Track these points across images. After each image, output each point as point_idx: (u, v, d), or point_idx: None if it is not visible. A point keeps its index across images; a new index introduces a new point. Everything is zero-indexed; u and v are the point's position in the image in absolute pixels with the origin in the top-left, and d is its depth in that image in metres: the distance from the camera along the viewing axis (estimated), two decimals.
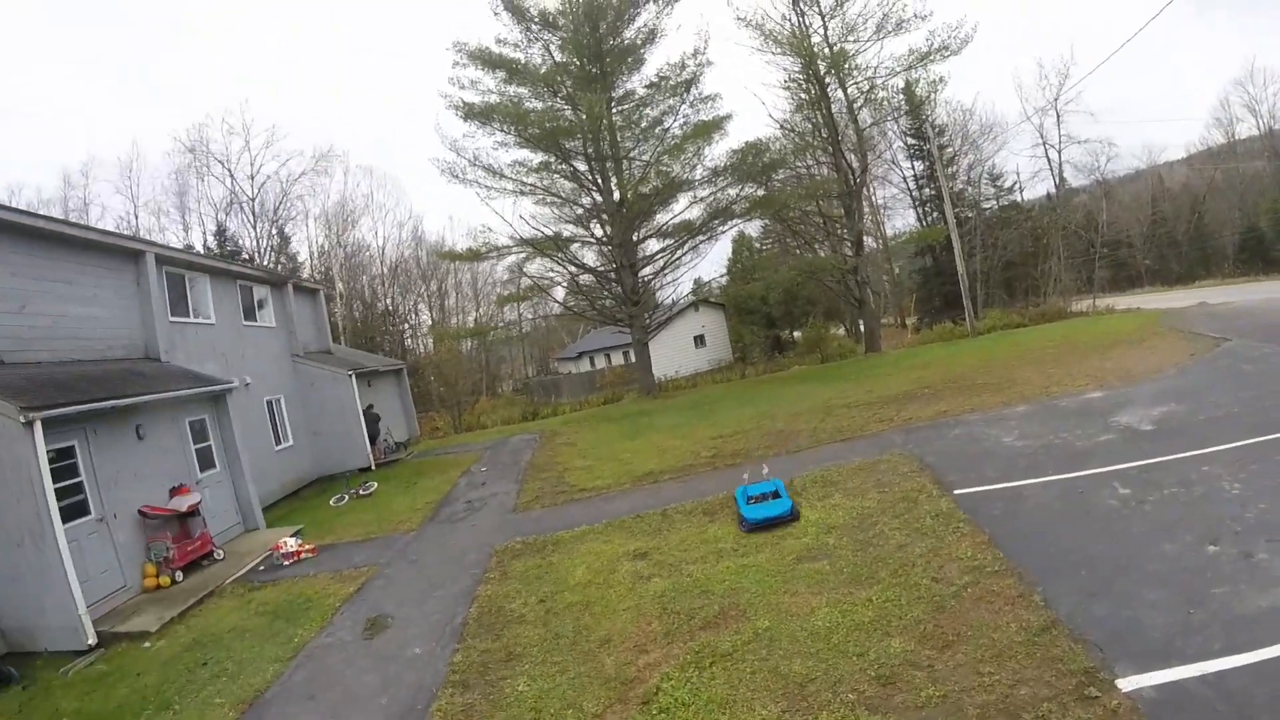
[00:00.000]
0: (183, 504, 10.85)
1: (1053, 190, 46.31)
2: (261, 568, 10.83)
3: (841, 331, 48.64)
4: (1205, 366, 13.13)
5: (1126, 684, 4.27)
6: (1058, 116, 42.16)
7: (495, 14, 26.55)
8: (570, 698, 5.46)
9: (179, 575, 10.28)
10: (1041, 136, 44.05)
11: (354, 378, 19.22)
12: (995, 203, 44.74)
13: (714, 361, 43.53)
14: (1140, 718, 3.96)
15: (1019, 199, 45.78)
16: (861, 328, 35.97)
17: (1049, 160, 44.28)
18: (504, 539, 10.14)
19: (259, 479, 13.95)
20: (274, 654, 7.35)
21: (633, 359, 33.33)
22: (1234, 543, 5.78)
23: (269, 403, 16.87)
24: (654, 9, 26.83)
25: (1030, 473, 8.51)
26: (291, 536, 11.84)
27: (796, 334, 47.69)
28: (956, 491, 8.24)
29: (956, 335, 29.99)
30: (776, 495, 8.83)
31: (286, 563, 10.81)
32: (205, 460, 12.56)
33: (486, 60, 26.20)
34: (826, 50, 29.55)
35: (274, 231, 44.04)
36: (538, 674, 5.95)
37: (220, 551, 11.45)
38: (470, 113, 25.42)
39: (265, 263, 39.83)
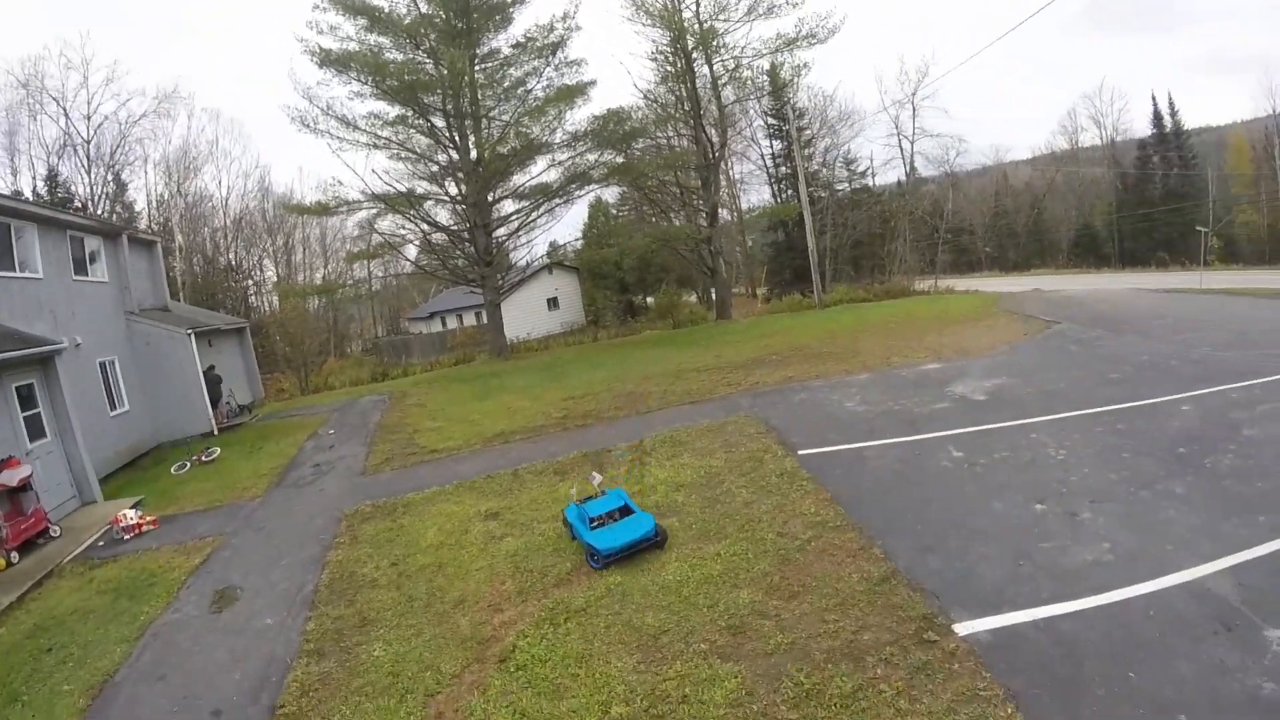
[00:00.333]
0: (12, 478, 9.75)
1: (903, 178, 50.28)
2: (101, 543, 10.12)
3: (694, 299, 50.42)
4: (1036, 346, 14.48)
5: (963, 629, 4.62)
6: (914, 110, 45.33)
7: None
8: (427, 660, 5.46)
9: (14, 556, 9.31)
10: (897, 127, 47.21)
11: (193, 337, 17.93)
12: (848, 185, 48.02)
13: (567, 324, 44.02)
14: (976, 659, 4.28)
15: (871, 184, 49.49)
16: (713, 296, 37.45)
17: (902, 150, 47.61)
18: (354, 503, 9.91)
19: (94, 448, 12.86)
20: (120, 634, 6.89)
21: (485, 320, 33.28)
22: (1059, 503, 6.39)
23: (102, 364, 15.33)
24: None
25: (871, 436, 9.08)
26: (131, 508, 11.10)
27: (649, 300, 49.12)
28: (801, 452, 8.68)
29: (805, 307, 31.94)
30: (626, 511, 7.02)
31: (127, 536, 10.15)
32: (35, 429, 11.54)
33: (349, 5, 25.07)
34: (696, 26, 30.43)
35: (110, 178, 39.74)
36: (393, 638, 5.91)
37: (56, 528, 10.50)
38: (327, 59, 24.42)
39: (99, 212, 36.15)
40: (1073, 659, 4.22)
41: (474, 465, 10.67)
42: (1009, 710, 3.85)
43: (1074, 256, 60.54)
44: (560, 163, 28.23)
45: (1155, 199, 59.03)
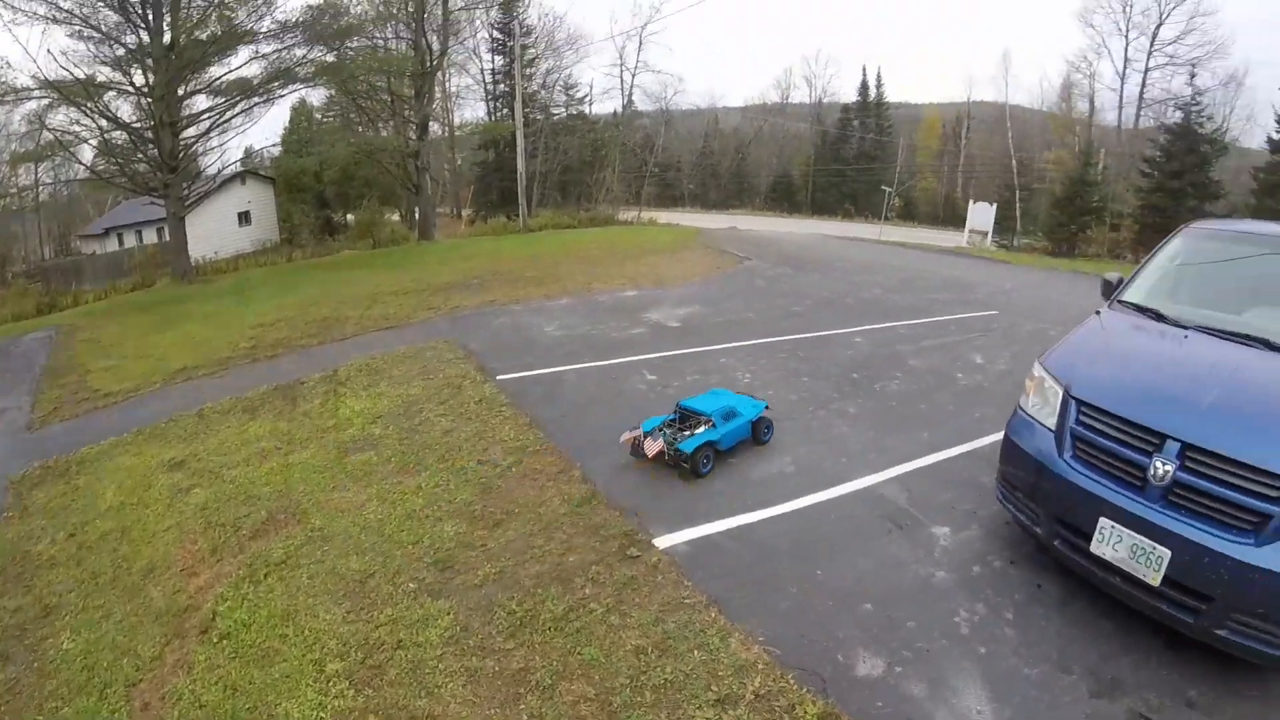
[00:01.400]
0: None
1: (620, 109, 52.41)
2: None
3: (397, 218, 48.57)
4: (728, 279, 15.93)
5: (663, 542, 4.87)
6: (640, 43, 47.97)
7: None
8: (123, 644, 4.73)
9: None
10: (621, 58, 49.31)
11: None
12: (565, 110, 49.48)
13: (259, 242, 40.84)
14: (678, 570, 4.57)
15: (588, 111, 51.30)
16: (417, 215, 36.85)
17: (622, 82, 50.28)
18: (20, 466, 8.12)
19: None
20: None
21: (168, 237, 29.39)
22: None
23: None
24: None
25: (569, 360, 9.33)
26: None
27: (350, 217, 47.33)
28: (499, 377, 8.67)
29: (510, 230, 32.64)
30: (732, 414, 6.14)
31: None
32: None
33: None
34: None
35: None
36: (81, 624, 5.03)
37: None
38: None
39: None
40: (766, 562, 4.62)
41: (154, 408, 9.38)
42: (713, 614, 4.13)
43: (770, 201, 69.08)
44: (265, 55, 25.42)
45: (850, 158, 69.20)
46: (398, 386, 8.73)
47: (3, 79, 22.44)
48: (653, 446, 5.68)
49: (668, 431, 5.89)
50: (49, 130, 25.26)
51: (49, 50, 21.80)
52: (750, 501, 5.33)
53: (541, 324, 11.52)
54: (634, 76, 49.12)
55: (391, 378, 9.14)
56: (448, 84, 47.20)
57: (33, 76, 22.18)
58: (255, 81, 25.67)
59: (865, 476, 5.73)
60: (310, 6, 25.25)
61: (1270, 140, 32.84)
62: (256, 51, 25.47)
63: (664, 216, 40.25)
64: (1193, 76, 38.04)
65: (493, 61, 48.08)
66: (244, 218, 42.63)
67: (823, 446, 6.37)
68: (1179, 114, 35.99)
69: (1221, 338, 4.35)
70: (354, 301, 15.01)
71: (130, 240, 42.98)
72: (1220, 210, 31.94)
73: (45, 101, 23.71)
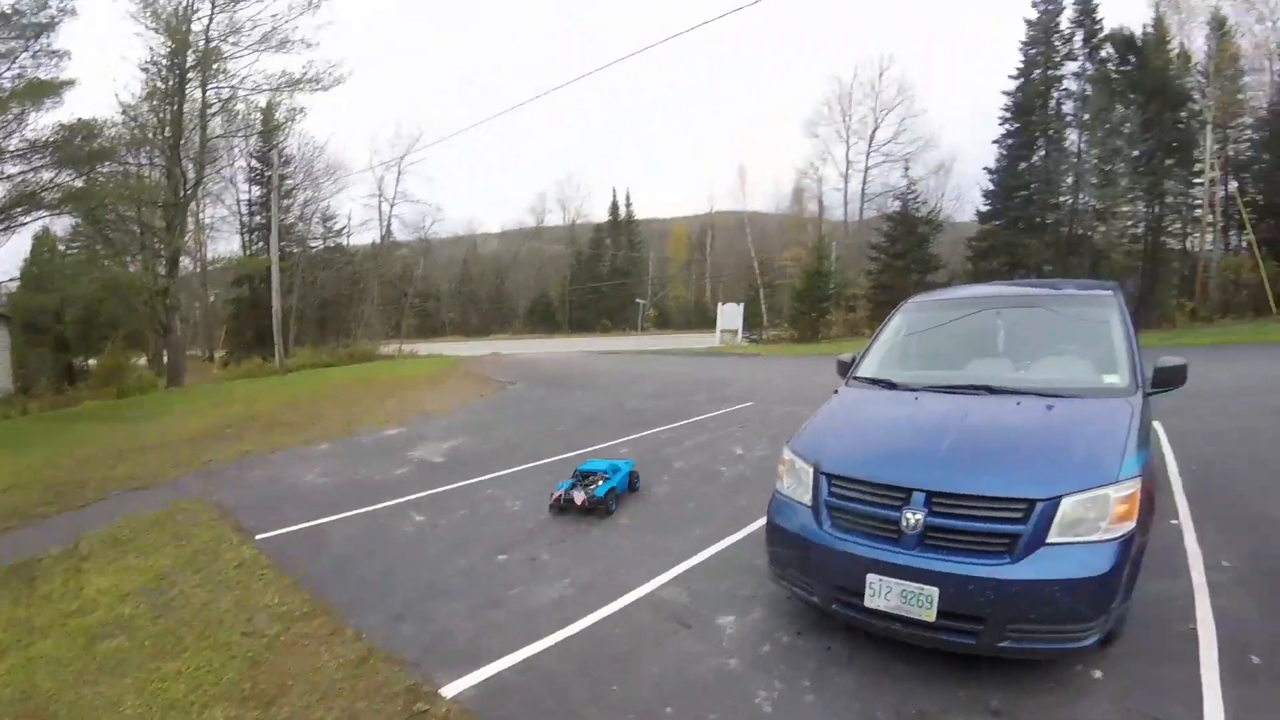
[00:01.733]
0: None
1: (379, 239, 52.40)
2: None
3: (144, 362, 44.19)
4: (493, 405, 15.99)
5: (450, 690, 4.56)
6: (399, 173, 48.74)
7: None
8: None
9: None
10: (380, 189, 50.06)
11: None
12: (322, 243, 48.50)
13: None
14: (470, 716, 4.28)
15: (345, 243, 50.66)
16: (165, 359, 34.35)
17: (380, 212, 50.41)
18: None
19: None
20: None
21: None
22: (520, 550, 6.80)
23: None
24: None
25: (333, 510, 8.80)
26: None
27: (92, 362, 42.30)
28: (259, 536, 8.05)
29: (266, 372, 31.28)
30: (616, 470, 8.24)
31: None
32: None
33: None
34: (203, 43, 28.92)
35: None
36: None
37: None
38: None
39: None
40: (557, 690, 4.44)
41: None
42: None
43: (530, 323, 71.66)
44: (8, 176, 23.43)
45: (604, 275, 73.10)
46: (148, 557, 7.79)
47: None
48: (579, 496, 7.49)
49: (580, 489, 7.65)
50: None
51: None
52: (535, 630, 5.17)
53: (301, 473, 10.88)
54: (393, 207, 49.75)
55: (140, 548, 8.15)
56: (201, 215, 45.00)
57: None
58: None
59: (645, 583, 5.76)
60: (62, 126, 23.69)
61: (978, 213, 39.13)
62: (1, 172, 23.48)
63: (425, 348, 39.94)
64: (907, 169, 43.93)
65: (250, 191, 46.68)
66: None
67: (599, 562, 6.36)
68: (898, 203, 42.01)
69: (948, 392, 4.92)
70: (97, 460, 13.57)
71: None
72: (942, 279, 37.07)
73: None
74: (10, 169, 23.54)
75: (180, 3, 28.95)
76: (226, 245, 48.38)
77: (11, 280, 35.50)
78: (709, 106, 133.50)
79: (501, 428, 13.23)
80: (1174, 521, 6.09)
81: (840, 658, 4.44)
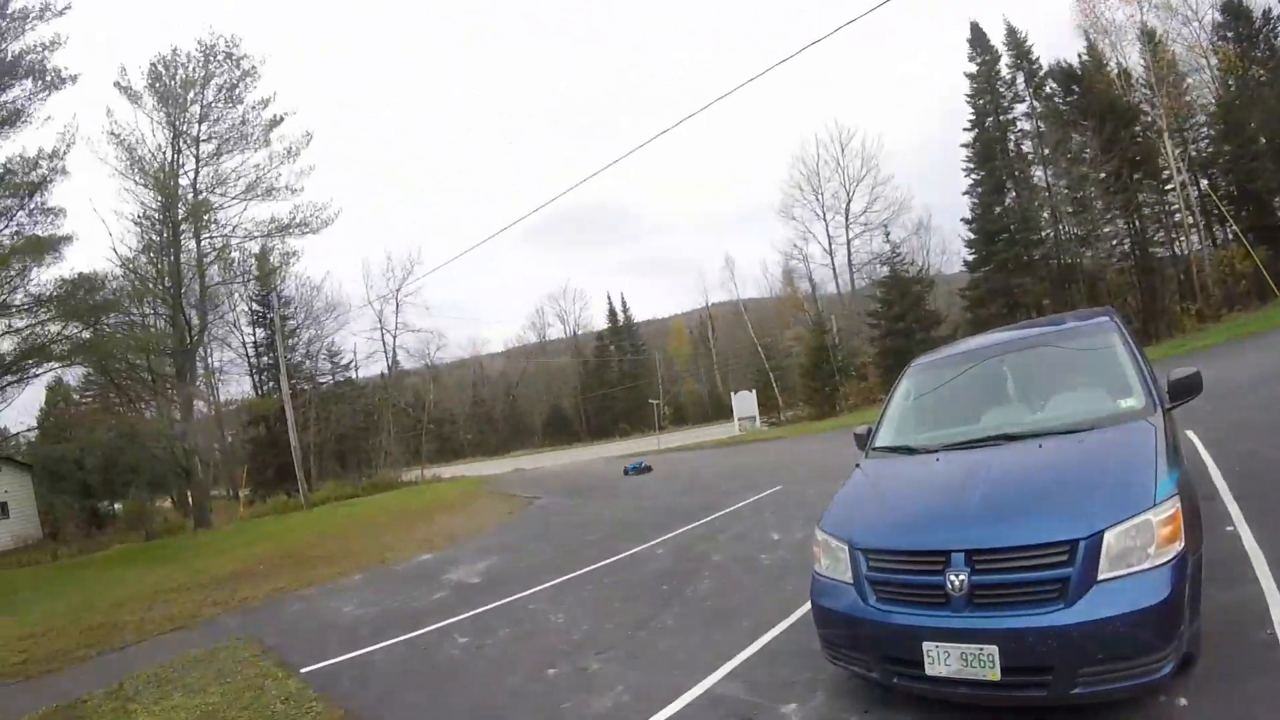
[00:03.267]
0: None
1: (386, 370, 53.09)
2: None
3: (169, 504, 44.54)
4: (521, 522, 15.92)
5: None
6: (397, 305, 49.46)
7: None
8: None
9: None
10: (380, 322, 50.80)
11: None
12: (332, 378, 49.62)
13: (20, 538, 35.94)
14: None
15: (355, 376, 51.59)
16: (190, 501, 34.97)
17: (384, 344, 50.98)
18: None
19: None
20: None
21: None
22: (569, 662, 6.66)
23: None
24: (29, 87, 23.88)
25: (374, 639, 8.73)
26: None
27: (118, 506, 43.06)
28: (304, 670, 7.95)
29: (291, 508, 31.54)
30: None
31: None
32: None
33: None
34: (191, 196, 30.40)
35: None
36: None
37: None
38: None
39: None
40: None
41: None
42: None
43: (548, 435, 71.59)
44: (16, 330, 24.27)
45: (614, 380, 73.76)
46: (194, 696, 7.67)
47: None
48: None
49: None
50: None
51: None
52: None
53: (339, 605, 10.81)
54: (395, 338, 50.53)
55: (185, 686, 8.04)
56: (210, 359, 45.93)
57: None
58: (7, 358, 24.31)
59: (701, 681, 5.60)
60: (65, 280, 24.48)
61: (965, 262, 40.02)
62: (9, 325, 24.28)
63: (447, 471, 40.10)
64: (888, 235, 44.73)
65: (254, 334, 47.74)
66: (1, 510, 37.55)
67: (650, 665, 6.22)
68: (886, 268, 42.47)
69: (968, 448, 4.88)
70: (132, 603, 13.52)
71: None
72: (945, 331, 37.01)
73: None
74: (18, 323, 24.50)
75: (165, 159, 30.65)
76: (238, 387, 49.39)
77: (30, 430, 36.31)
78: (686, 204, 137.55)
79: (533, 544, 13.16)
80: (1229, 529, 5.95)
81: None
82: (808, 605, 5.04)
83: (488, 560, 12.31)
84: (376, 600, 10.76)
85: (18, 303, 24.01)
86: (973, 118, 39.65)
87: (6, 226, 24.12)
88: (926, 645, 3.88)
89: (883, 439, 5.88)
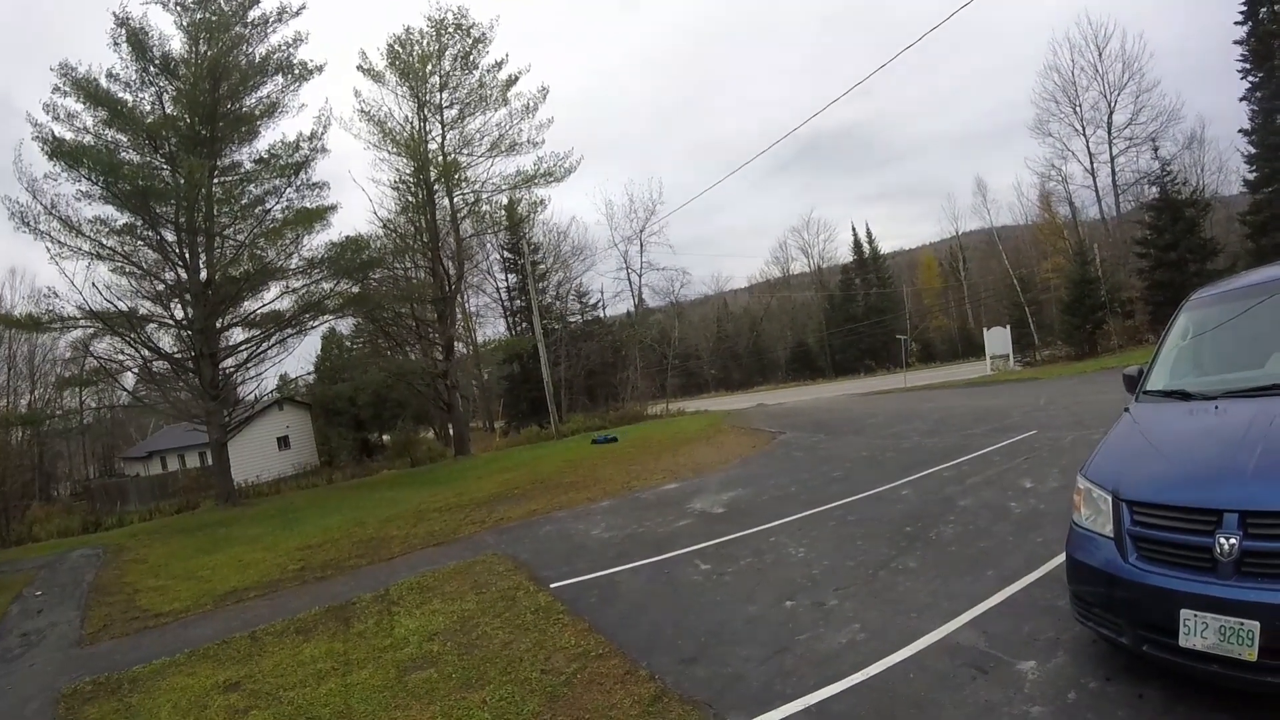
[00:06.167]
0: None
1: (632, 309, 55.52)
2: None
3: (431, 435, 50.46)
4: (765, 456, 15.99)
5: None
6: (641, 245, 50.98)
7: (114, 45, 23.87)
8: None
9: None
10: (625, 262, 52.78)
11: None
12: (580, 317, 52.72)
13: (299, 465, 42.86)
14: None
15: (602, 315, 54.62)
16: (451, 431, 38.07)
17: (630, 283, 53.15)
18: (71, 680, 8.08)
19: None
20: None
21: (210, 461, 31.12)
22: (808, 596, 6.80)
23: None
24: (280, 82, 27.09)
25: (620, 560, 9.27)
26: None
27: (386, 437, 49.51)
28: (553, 585, 8.61)
29: (543, 438, 33.62)
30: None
31: None
32: None
33: (92, 94, 23.33)
34: (441, 159, 32.66)
35: None
36: None
37: None
38: (59, 150, 22.09)
39: None
40: None
41: (206, 629, 9.33)
42: None
43: (792, 371, 70.87)
44: (294, 290, 27.75)
45: (859, 315, 71.22)
46: (451, 603, 8.67)
47: (50, 308, 23.89)
48: None
49: None
50: (93, 357, 26.87)
51: (93, 284, 23.68)
52: (827, 675, 5.14)
53: (588, 528, 11.52)
54: (640, 277, 52.15)
55: (444, 594, 9.10)
56: (467, 305, 49.82)
57: (78, 307, 23.70)
58: (287, 314, 27.67)
59: (939, 628, 5.55)
60: (334, 244, 27.28)
61: (1245, 182, 33.78)
62: (287, 286, 27.73)
63: (691, 405, 41.13)
64: (1156, 150, 38.80)
65: (506, 279, 51.64)
66: (283, 442, 44.93)
67: (889, 607, 6.21)
68: (1155, 189, 36.75)
69: (1250, 397, 4.39)
70: (398, 520, 15.18)
71: (173, 463, 45.08)
72: (1222, 264, 31.83)
73: (90, 331, 25.40)
74: (295, 283, 27.86)
75: (413, 128, 33.32)
76: (493, 328, 53.66)
77: (309, 374, 41.96)
78: (933, 126, 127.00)
79: (777, 477, 13.23)
80: None
81: (1154, 706, 4.03)
82: (1058, 559, 4.81)
83: (731, 492, 12.54)
84: (622, 525, 11.35)
85: (294, 267, 27.38)
86: (1244, 7, 32.33)
87: (278, 203, 27.34)
88: (1184, 613, 3.60)
89: (1155, 382, 5.39)
